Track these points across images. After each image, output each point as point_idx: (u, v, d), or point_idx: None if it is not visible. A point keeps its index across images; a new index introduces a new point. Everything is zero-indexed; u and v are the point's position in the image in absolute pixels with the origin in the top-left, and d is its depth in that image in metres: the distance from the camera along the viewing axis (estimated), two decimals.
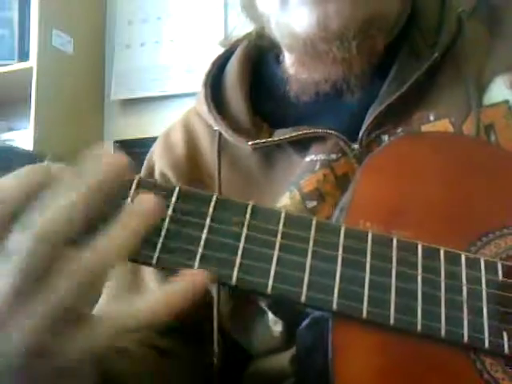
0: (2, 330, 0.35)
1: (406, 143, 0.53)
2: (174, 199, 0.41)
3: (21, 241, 0.35)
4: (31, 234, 0.35)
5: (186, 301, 0.37)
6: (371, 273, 0.42)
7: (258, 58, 0.72)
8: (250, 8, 0.68)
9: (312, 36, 0.58)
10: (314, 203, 0.60)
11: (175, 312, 0.37)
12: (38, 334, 0.35)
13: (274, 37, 0.66)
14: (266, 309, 0.59)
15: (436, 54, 0.60)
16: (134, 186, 0.40)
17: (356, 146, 0.60)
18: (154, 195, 0.38)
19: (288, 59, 0.68)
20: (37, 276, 0.35)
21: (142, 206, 0.38)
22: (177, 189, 0.41)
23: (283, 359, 0.57)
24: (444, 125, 0.59)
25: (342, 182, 0.60)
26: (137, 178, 0.40)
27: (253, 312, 0.61)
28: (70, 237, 0.35)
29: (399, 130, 0.60)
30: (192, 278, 0.38)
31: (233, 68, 0.71)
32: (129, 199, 0.39)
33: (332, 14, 0.57)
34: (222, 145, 0.68)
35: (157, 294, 0.38)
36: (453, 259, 0.44)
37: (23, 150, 0.40)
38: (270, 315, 0.59)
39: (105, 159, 0.37)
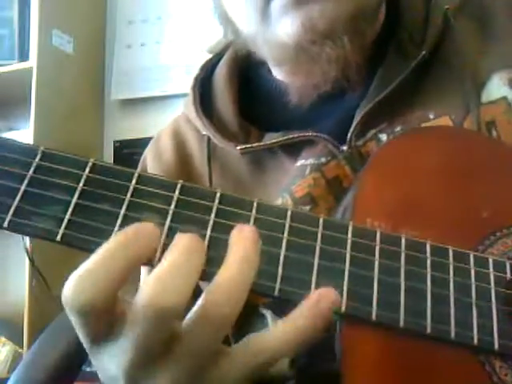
0: None
1: (408, 140, 0.53)
2: (177, 193, 0.39)
3: (136, 319, 0.35)
4: (146, 309, 0.35)
5: (317, 331, 0.37)
6: (380, 273, 0.41)
7: (247, 61, 0.71)
8: (233, 32, 0.66)
9: (301, 41, 0.57)
10: (307, 208, 0.59)
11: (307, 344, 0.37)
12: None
13: (262, 55, 0.65)
14: (265, 313, 0.58)
15: (423, 53, 0.59)
16: (134, 181, 0.39)
17: (344, 147, 0.59)
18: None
19: (278, 73, 0.67)
20: (159, 346, 0.36)
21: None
22: (179, 185, 0.40)
23: (282, 363, 0.56)
24: (445, 122, 0.58)
25: (334, 185, 0.59)
26: (137, 172, 0.39)
27: (252, 317, 0.60)
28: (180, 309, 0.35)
29: (398, 128, 0.59)
30: (318, 302, 0.37)
31: (221, 72, 0.71)
32: (129, 194, 0.38)
33: (316, 15, 0.56)
34: (211, 150, 0.67)
35: (288, 325, 0.37)
36: (461, 258, 0.43)
37: (15, 141, 0.39)
38: (269, 320, 0.58)
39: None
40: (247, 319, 0.59)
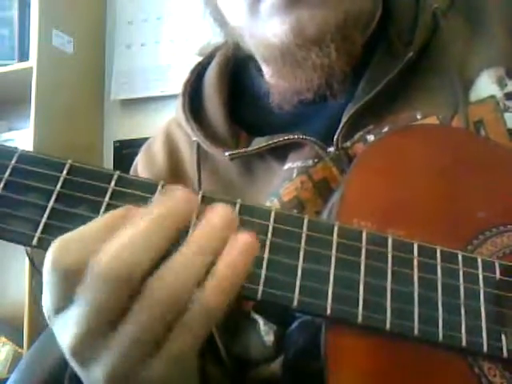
0: (85, 369, 0.37)
1: (394, 139, 0.52)
2: (156, 195, 0.39)
3: (91, 283, 0.34)
4: (100, 272, 0.34)
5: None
6: (366, 274, 0.40)
7: (238, 65, 0.70)
8: (221, 23, 0.66)
9: (288, 44, 0.56)
10: (295, 212, 0.58)
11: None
12: (118, 370, 0.36)
13: (249, 49, 0.64)
14: (257, 318, 0.57)
15: (411, 53, 0.58)
16: (113, 183, 0.38)
17: (331, 149, 0.59)
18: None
19: (266, 72, 0.66)
20: (111, 314, 0.35)
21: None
22: (159, 186, 0.39)
23: (274, 366, 0.55)
24: (432, 122, 0.57)
25: (321, 188, 0.58)
26: (116, 174, 0.38)
27: (244, 322, 0.59)
28: (145, 268, 0.35)
29: (386, 128, 0.58)
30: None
31: (210, 76, 0.70)
32: (107, 196, 0.38)
33: (306, 20, 0.55)
34: (201, 155, 0.66)
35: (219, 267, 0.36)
36: (450, 258, 0.43)
37: None
38: (262, 325, 0.57)
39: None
40: (239, 324, 0.59)
